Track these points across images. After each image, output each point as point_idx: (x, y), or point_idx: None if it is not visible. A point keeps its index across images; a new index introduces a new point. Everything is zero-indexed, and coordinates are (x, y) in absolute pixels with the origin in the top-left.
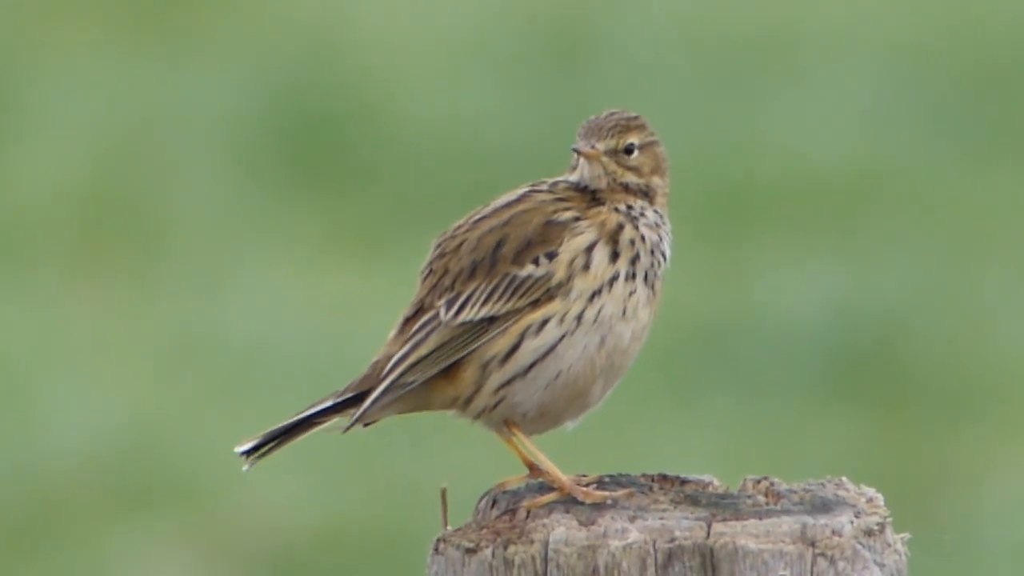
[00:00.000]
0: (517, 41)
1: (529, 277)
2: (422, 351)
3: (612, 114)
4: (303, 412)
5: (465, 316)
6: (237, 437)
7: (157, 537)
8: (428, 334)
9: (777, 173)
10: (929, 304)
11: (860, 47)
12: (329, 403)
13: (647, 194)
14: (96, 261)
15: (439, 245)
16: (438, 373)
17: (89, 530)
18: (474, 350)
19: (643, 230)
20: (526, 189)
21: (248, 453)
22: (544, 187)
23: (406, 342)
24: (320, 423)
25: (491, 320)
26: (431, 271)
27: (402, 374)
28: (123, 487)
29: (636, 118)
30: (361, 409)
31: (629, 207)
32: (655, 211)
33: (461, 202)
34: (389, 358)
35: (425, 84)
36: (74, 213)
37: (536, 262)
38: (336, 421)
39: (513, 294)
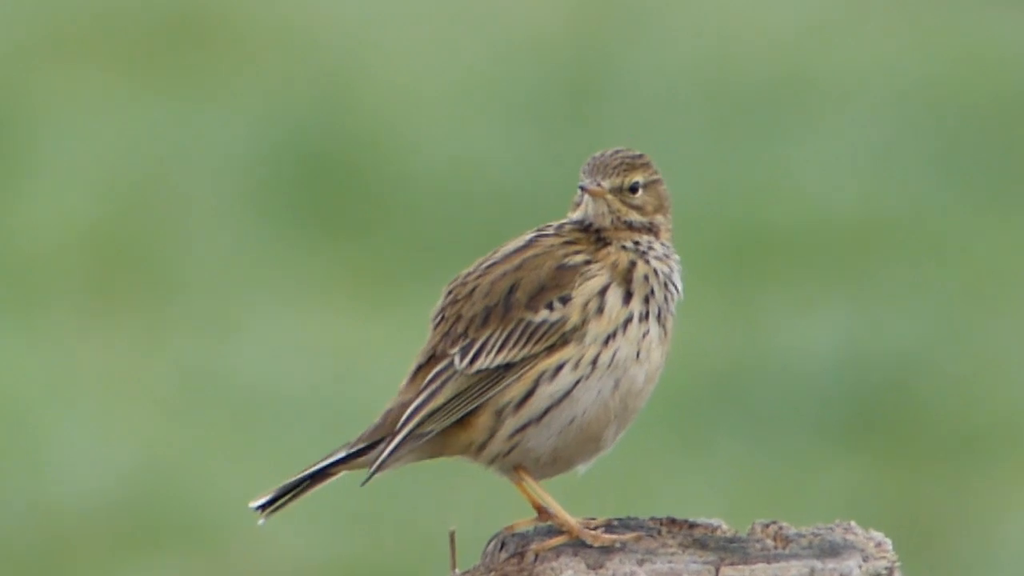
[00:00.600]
0: (529, 84)
1: (544, 322)
2: (439, 400)
3: (617, 152)
4: (316, 464)
5: (481, 364)
6: (247, 478)
7: None
8: (443, 383)
9: (789, 217)
10: (941, 348)
11: (872, 93)
12: (342, 454)
13: (651, 231)
14: (107, 302)
15: (450, 292)
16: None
17: (98, 570)
18: (490, 398)
19: (654, 264)
20: (533, 234)
21: (263, 507)
22: (550, 231)
23: (420, 392)
24: (333, 474)
25: (507, 367)
26: (443, 318)
27: (419, 424)
28: (132, 528)
29: (640, 156)
30: (379, 460)
31: (636, 243)
32: (662, 244)
33: (472, 245)
34: (403, 407)
35: (437, 127)
36: (85, 254)
37: (550, 307)
38: (344, 473)
39: (528, 340)
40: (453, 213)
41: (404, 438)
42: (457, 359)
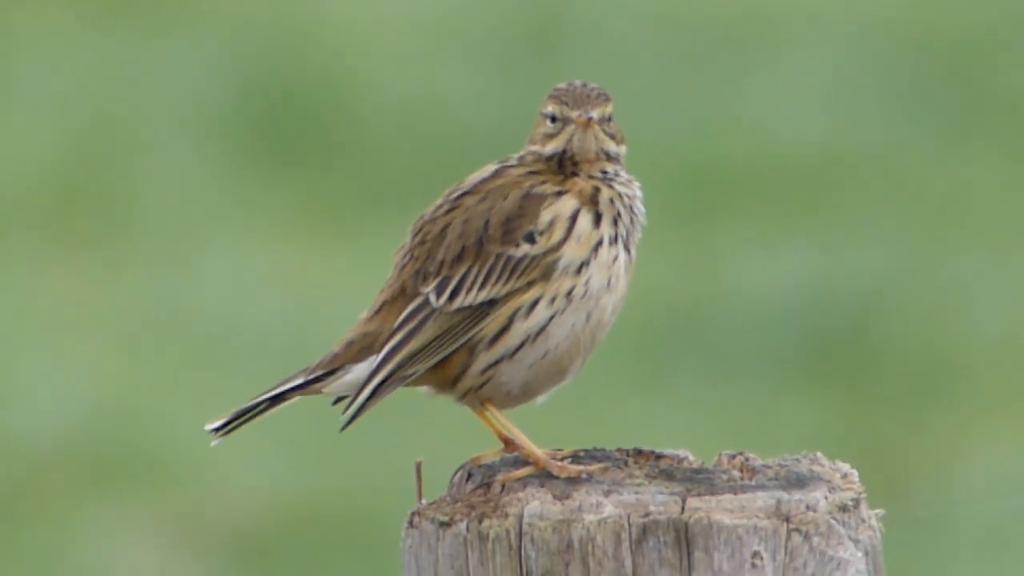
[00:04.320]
0: (489, 21)
1: (525, 256)
2: (420, 340)
3: (586, 84)
4: (273, 389)
5: (462, 302)
6: (208, 414)
7: (128, 515)
8: (422, 323)
9: (750, 154)
10: (901, 284)
11: (833, 28)
12: (300, 380)
13: (619, 160)
14: (66, 238)
15: (419, 230)
16: None
17: (57, 508)
18: (473, 335)
19: (619, 188)
20: (497, 166)
21: (218, 429)
22: (513, 162)
23: (395, 331)
24: (289, 399)
25: (491, 303)
26: (412, 257)
27: (399, 366)
28: (93, 465)
29: (605, 89)
30: (358, 403)
31: (604, 172)
32: (626, 172)
33: (431, 180)
34: (368, 339)
35: (397, 63)
36: (44, 190)
37: (531, 240)
38: (299, 398)
39: (511, 274)
40: (412, 149)
41: (385, 380)
42: (433, 297)
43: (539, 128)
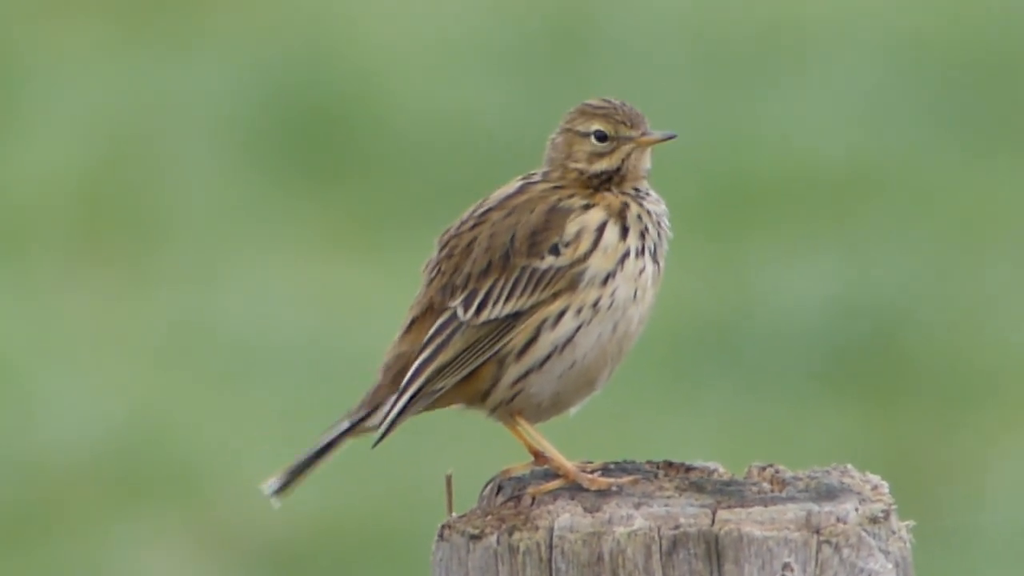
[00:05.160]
0: (515, 34)
1: (550, 268)
2: (448, 355)
3: (625, 103)
4: (321, 440)
5: (488, 315)
6: (236, 428)
7: (155, 529)
8: (449, 337)
9: (777, 166)
10: (929, 296)
11: (860, 40)
12: (346, 425)
13: (647, 177)
14: (94, 252)
15: (445, 244)
16: None
17: (87, 523)
18: (499, 348)
19: (648, 205)
20: (521, 182)
21: (277, 492)
22: (537, 177)
23: (424, 347)
24: (339, 445)
25: (516, 316)
26: (439, 271)
27: (428, 380)
28: (121, 479)
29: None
30: (388, 420)
31: (636, 190)
32: (652, 190)
33: (458, 193)
34: (400, 359)
35: (424, 77)
36: (72, 204)
37: (556, 252)
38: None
39: (536, 286)
40: (439, 162)
41: (414, 396)
42: (460, 311)
43: (579, 146)
